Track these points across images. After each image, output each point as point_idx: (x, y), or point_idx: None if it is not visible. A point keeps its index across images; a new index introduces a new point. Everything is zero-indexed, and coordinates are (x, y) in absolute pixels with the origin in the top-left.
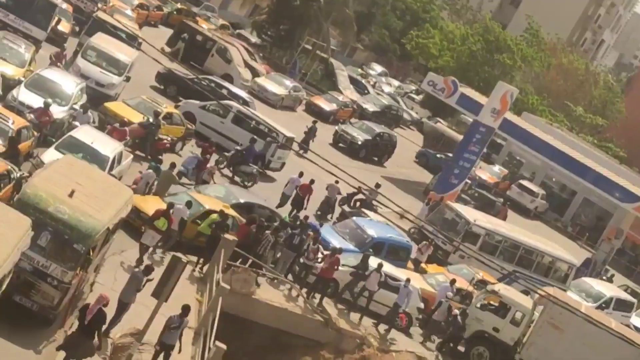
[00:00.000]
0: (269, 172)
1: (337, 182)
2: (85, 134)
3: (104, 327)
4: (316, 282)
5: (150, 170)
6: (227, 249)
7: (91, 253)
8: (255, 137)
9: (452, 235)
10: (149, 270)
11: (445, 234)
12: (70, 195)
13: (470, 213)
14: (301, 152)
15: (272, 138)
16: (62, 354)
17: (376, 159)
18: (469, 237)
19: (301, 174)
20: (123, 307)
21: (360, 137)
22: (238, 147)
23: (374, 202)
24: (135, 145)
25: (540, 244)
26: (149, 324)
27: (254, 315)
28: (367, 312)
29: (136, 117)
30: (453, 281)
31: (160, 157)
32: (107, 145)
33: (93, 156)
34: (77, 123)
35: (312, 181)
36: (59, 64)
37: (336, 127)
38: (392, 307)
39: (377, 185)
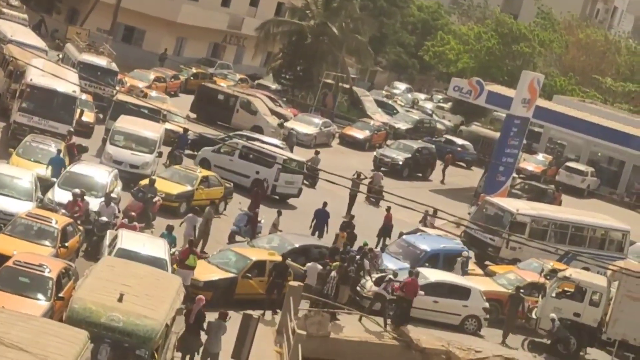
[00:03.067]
0: (291, 201)
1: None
2: (133, 241)
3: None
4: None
5: (191, 214)
6: (294, 295)
7: (155, 355)
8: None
9: (499, 230)
10: (224, 315)
11: (490, 227)
12: (120, 299)
13: (511, 204)
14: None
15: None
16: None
17: (420, 175)
18: (516, 228)
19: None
20: (214, 358)
21: (400, 157)
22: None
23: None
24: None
25: (589, 218)
26: None
27: (336, 354)
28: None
29: (173, 188)
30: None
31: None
32: (156, 245)
33: (152, 262)
34: (104, 218)
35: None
36: (74, 153)
37: (374, 153)
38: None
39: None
